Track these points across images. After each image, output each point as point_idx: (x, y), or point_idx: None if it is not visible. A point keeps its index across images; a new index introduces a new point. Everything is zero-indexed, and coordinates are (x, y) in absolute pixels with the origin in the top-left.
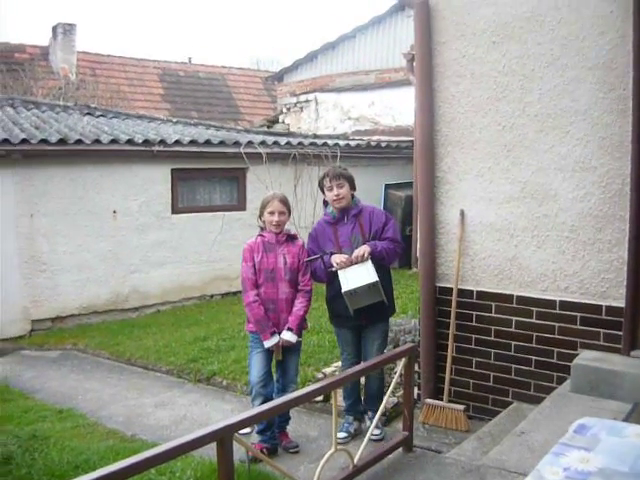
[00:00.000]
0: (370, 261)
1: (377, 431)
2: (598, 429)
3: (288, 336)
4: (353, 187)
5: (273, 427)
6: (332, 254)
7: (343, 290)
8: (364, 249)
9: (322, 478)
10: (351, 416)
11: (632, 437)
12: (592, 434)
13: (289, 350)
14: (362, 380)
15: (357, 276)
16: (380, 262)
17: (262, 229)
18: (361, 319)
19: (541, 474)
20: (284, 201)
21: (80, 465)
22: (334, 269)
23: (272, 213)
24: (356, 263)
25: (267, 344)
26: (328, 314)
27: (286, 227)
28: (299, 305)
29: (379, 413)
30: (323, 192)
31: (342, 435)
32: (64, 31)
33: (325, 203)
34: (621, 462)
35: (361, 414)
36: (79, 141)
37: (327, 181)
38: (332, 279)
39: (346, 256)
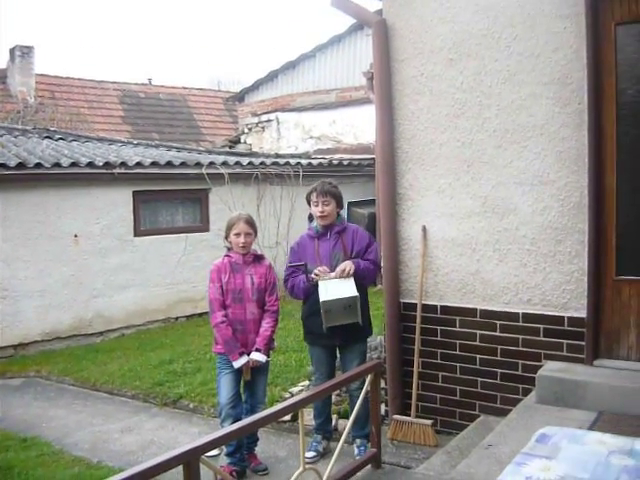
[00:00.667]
0: (352, 278)
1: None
2: (559, 437)
3: (257, 356)
4: (340, 205)
5: (242, 449)
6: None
7: (321, 299)
8: (348, 265)
9: None
10: (320, 435)
11: (592, 444)
12: (553, 443)
13: (257, 370)
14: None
15: (338, 288)
16: (359, 281)
17: (229, 249)
18: (335, 338)
19: None
20: (250, 222)
21: None
22: (315, 278)
23: (238, 235)
24: (339, 277)
25: (236, 364)
26: (303, 331)
27: (252, 247)
28: (266, 325)
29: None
30: (309, 205)
31: (310, 454)
32: (22, 54)
33: (310, 217)
34: (582, 469)
35: (330, 433)
36: (38, 165)
37: (314, 196)
38: (310, 295)
39: (327, 268)
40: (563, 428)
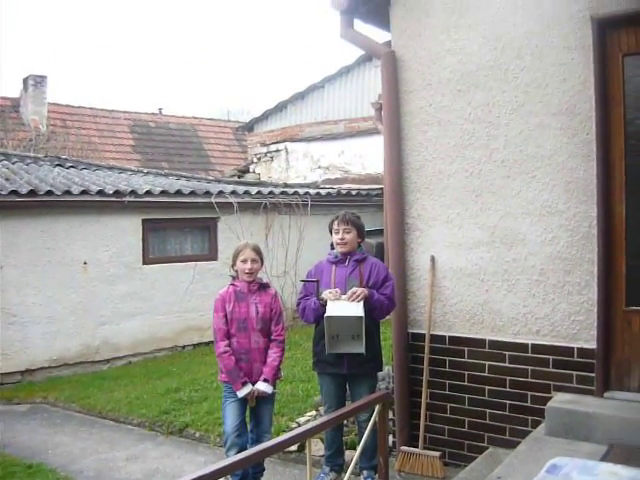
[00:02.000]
0: (362, 302)
1: None
2: (570, 468)
3: (264, 387)
4: (361, 236)
5: (248, 478)
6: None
7: (326, 315)
8: (362, 290)
9: None
10: (328, 467)
11: (604, 475)
12: (564, 473)
13: (264, 400)
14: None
15: (344, 308)
16: (370, 312)
17: (234, 278)
18: (343, 367)
19: None
20: (257, 250)
21: None
22: (325, 298)
23: (245, 261)
24: (349, 300)
25: (240, 394)
26: (312, 359)
27: (258, 276)
28: (273, 355)
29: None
30: (331, 233)
31: None
32: (35, 83)
33: (332, 246)
34: None
35: (340, 467)
36: (50, 192)
37: (336, 224)
38: (320, 319)
39: (339, 290)
40: (574, 459)
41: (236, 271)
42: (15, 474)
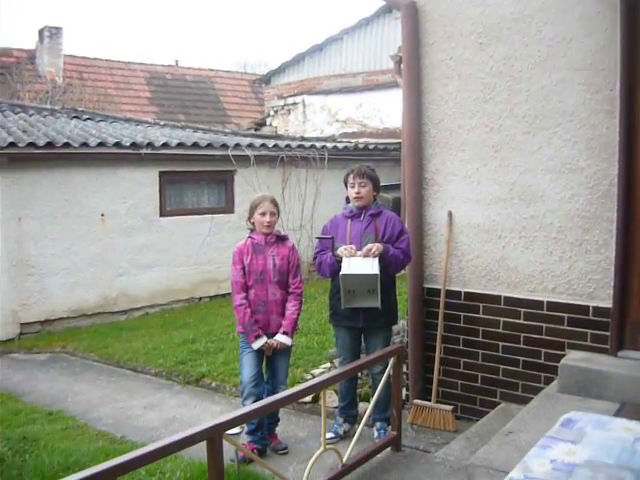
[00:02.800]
0: (377, 258)
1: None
2: (584, 423)
3: (283, 339)
4: (376, 190)
5: (263, 428)
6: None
7: (341, 273)
8: (376, 245)
9: (311, 478)
10: (342, 418)
11: (618, 430)
12: (578, 428)
13: (280, 352)
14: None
15: (360, 265)
16: (385, 267)
17: (252, 231)
18: (358, 320)
19: (528, 466)
20: (275, 202)
21: (70, 466)
22: (340, 254)
23: (264, 214)
24: (364, 256)
25: (255, 346)
26: (328, 312)
27: (276, 229)
28: (292, 308)
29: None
30: (346, 187)
31: (329, 436)
32: (50, 35)
33: (347, 200)
34: (607, 454)
35: (353, 417)
36: (67, 144)
37: (351, 178)
38: (336, 275)
39: (354, 247)
40: (588, 414)
41: (253, 224)
42: (36, 421)
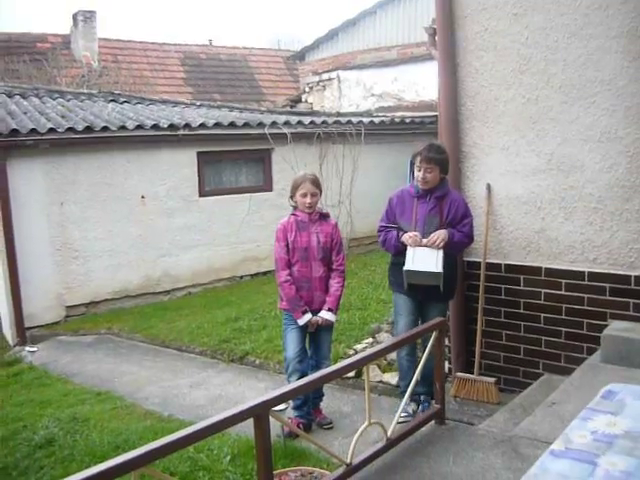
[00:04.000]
0: (442, 251)
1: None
2: (624, 394)
3: (328, 316)
4: (444, 171)
5: (308, 403)
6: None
7: (405, 268)
8: (442, 236)
9: (357, 452)
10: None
11: None
12: (618, 399)
13: (323, 328)
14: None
15: (424, 260)
16: (448, 251)
17: (295, 208)
18: (418, 292)
19: (569, 438)
20: (316, 182)
21: (120, 445)
22: (405, 241)
23: (304, 195)
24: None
25: (300, 322)
26: (388, 278)
27: (318, 206)
28: (336, 285)
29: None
30: (412, 165)
31: (403, 414)
32: (84, 19)
33: (412, 174)
34: None
35: (418, 395)
36: (105, 128)
37: (418, 161)
38: (400, 251)
39: (419, 235)
40: (628, 385)
41: (295, 202)
42: (86, 401)
